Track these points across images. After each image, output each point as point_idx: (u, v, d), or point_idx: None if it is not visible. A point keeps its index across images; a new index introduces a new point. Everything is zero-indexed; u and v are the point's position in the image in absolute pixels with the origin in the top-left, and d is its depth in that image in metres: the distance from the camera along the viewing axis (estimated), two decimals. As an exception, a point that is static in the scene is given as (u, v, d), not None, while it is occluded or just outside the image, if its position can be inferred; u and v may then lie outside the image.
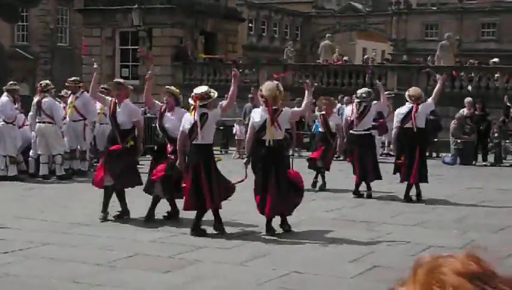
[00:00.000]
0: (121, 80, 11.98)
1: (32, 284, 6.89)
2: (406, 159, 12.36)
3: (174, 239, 8.96)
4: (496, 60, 28.12)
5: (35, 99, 15.22)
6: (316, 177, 13.98)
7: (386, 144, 21.70)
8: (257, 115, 9.39)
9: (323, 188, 13.79)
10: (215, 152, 10.33)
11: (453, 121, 20.81)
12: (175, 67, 30.67)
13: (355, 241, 8.96)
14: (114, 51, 32.29)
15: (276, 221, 9.47)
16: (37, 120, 14.94)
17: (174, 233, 9.30)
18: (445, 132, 21.42)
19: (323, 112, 14.04)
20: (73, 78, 16.42)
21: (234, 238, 9.04)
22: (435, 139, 21.57)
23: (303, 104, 9.91)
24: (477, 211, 11.76)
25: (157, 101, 10.67)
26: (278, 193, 9.11)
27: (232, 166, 13.69)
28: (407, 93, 12.69)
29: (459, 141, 20.29)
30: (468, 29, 47.67)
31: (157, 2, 30.83)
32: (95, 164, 15.62)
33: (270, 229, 9.29)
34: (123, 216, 10.27)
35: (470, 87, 25.84)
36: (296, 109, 10.81)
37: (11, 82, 15.68)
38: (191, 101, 9.27)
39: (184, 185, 9.39)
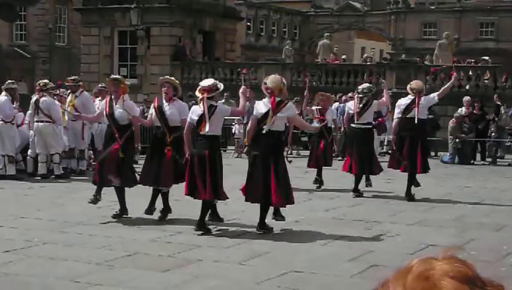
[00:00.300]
0: (118, 76, 11.73)
1: (31, 283, 6.88)
2: (408, 151, 12.37)
3: (173, 238, 8.96)
4: (486, 57, 28.08)
5: (34, 98, 15.21)
6: (319, 176, 14.01)
7: (385, 143, 21.71)
8: (261, 105, 9.50)
9: (320, 187, 13.88)
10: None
11: (451, 120, 20.83)
12: (173, 66, 30.63)
13: (353, 241, 8.96)
14: (112, 50, 32.27)
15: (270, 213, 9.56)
16: (35, 119, 14.93)
17: (173, 232, 9.30)
18: (444, 131, 21.44)
19: (320, 107, 14.14)
20: (73, 77, 16.42)
21: (233, 237, 9.04)
22: (434, 138, 21.58)
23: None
24: (476, 209, 11.77)
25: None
26: (278, 183, 9.18)
27: (232, 166, 13.67)
28: (409, 86, 12.69)
29: (457, 140, 20.31)
30: (466, 29, 47.64)
31: (155, 1, 30.80)
32: (93, 163, 15.60)
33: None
34: (122, 215, 10.25)
35: (468, 86, 25.84)
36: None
37: (9, 81, 15.67)
38: (197, 93, 9.38)
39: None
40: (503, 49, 44.01)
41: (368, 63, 30.17)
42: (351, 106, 13.28)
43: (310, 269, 7.38)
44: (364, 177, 13.09)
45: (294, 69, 29.35)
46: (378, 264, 7.62)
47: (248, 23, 48.58)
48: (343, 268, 7.52)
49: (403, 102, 12.61)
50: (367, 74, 27.28)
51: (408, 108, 12.36)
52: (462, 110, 20.95)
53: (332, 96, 15.97)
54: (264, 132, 9.26)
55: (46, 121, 14.81)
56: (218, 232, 9.33)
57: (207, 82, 9.54)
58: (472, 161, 20.40)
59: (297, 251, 8.34)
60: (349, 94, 21.48)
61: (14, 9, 29.29)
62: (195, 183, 9.12)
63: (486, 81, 25.65)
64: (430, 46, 33.60)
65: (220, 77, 28.79)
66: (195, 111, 9.35)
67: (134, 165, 10.72)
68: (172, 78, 10.91)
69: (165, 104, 10.09)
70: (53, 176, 14.96)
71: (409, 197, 12.45)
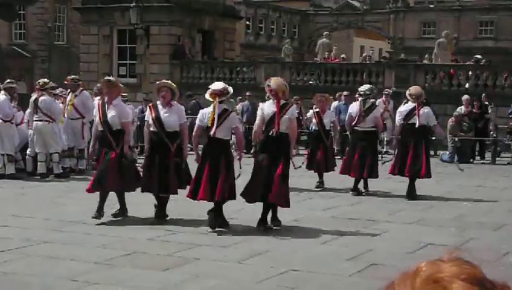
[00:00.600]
0: (112, 78, 11.30)
1: (30, 282, 6.88)
2: (412, 155, 12.41)
3: (172, 237, 8.95)
4: (478, 56, 28.03)
5: (33, 97, 15.21)
6: (321, 178, 13.95)
7: (384, 142, 21.67)
8: (267, 107, 9.55)
9: (320, 187, 13.86)
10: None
11: (450, 119, 20.82)
12: (173, 65, 30.59)
13: (353, 240, 8.96)
14: (111, 49, 32.24)
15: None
16: (34, 118, 14.93)
17: (172, 231, 9.29)
18: (443, 129, 21.40)
19: (318, 110, 14.08)
20: (72, 77, 16.40)
21: (232, 236, 9.03)
22: (433, 138, 21.56)
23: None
24: (475, 208, 11.76)
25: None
26: (280, 184, 9.21)
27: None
28: (408, 92, 12.75)
29: (456, 138, 20.30)
30: (465, 27, 47.63)
31: (154, 0, 30.76)
32: (93, 163, 15.58)
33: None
34: (121, 215, 10.23)
35: (467, 85, 25.82)
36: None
37: (8, 80, 15.66)
38: (208, 97, 9.41)
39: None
40: (502, 48, 44.05)
41: (367, 62, 30.15)
42: (354, 109, 13.21)
43: (309, 268, 7.38)
44: (362, 181, 13.09)
45: (294, 68, 29.33)
46: (377, 263, 7.62)
47: (247, 22, 48.59)
48: (342, 267, 7.52)
49: (403, 109, 12.82)
50: (366, 73, 27.26)
51: (409, 115, 12.49)
52: (462, 109, 20.96)
53: (331, 97, 15.88)
54: (271, 133, 9.33)
55: (45, 120, 14.80)
56: (217, 231, 9.31)
57: (217, 85, 9.55)
58: (471, 160, 20.40)
59: (297, 250, 8.34)
60: (344, 92, 21.46)
61: (13, 9, 29.31)
62: (214, 184, 9.13)
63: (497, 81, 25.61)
64: (430, 45, 33.57)
65: (219, 76, 28.79)
66: (206, 114, 9.37)
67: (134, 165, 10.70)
68: (169, 81, 10.62)
69: (163, 109, 9.89)
70: (52, 175, 14.96)
71: (411, 197, 12.44)
